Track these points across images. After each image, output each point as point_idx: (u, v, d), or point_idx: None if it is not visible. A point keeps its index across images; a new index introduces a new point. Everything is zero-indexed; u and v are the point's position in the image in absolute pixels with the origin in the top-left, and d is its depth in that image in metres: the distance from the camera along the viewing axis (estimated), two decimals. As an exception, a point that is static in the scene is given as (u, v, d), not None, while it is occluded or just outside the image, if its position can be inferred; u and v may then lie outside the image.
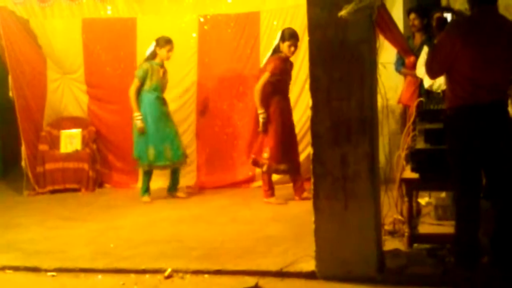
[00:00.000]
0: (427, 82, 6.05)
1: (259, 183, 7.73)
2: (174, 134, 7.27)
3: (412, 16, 6.76)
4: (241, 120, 7.94)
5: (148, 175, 7.25)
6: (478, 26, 4.01)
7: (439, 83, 5.81)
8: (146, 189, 7.20)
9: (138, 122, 7.08)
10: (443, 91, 5.73)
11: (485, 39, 3.96)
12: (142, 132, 7.08)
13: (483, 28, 3.99)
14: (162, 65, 7.21)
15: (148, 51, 7.17)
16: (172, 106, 7.72)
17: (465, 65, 3.97)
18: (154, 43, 7.13)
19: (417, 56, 6.26)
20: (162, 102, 7.27)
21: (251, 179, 7.81)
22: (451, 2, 6.38)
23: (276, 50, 6.80)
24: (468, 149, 4.02)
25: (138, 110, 7.09)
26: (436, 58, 4.14)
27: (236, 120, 7.97)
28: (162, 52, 7.11)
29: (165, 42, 7.10)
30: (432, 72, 4.32)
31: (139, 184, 7.81)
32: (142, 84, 7.11)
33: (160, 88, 7.23)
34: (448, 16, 4.86)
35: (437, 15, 6.20)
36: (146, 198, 7.15)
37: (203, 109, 7.95)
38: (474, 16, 4.10)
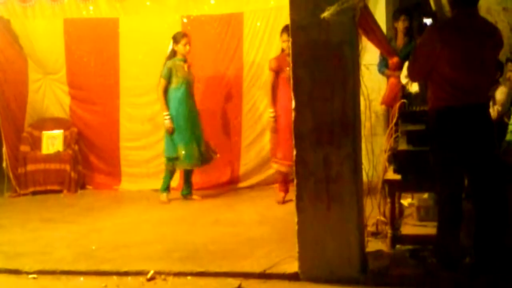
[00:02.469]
0: (414, 88, 6.07)
1: (243, 184, 7.75)
2: (201, 133, 7.21)
3: (403, 17, 6.75)
4: (225, 121, 7.94)
5: (171, 174, 7.19)
6: (458, 28, 4.03)
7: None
8: (166, 187, 7.14)
9: (166, 122, 6.98)
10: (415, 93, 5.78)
11: (466, 41, 3.98)
12: (171, 132, 7.00)
13: (463, 30, 4.01)
14: (185, 60, 7.12)
15: (168, 50, 7.08)
16: (155, 108, 7.71)
17: (446, 67, 3.99)
18: (171, 42, 7.06)
19: (400, 57, 6.27)
20: (191, 98, 7.17)
21: (235, 181, 7.81)
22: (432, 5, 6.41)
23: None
24: (450, 151, 4.04)
25: (166, 110, 7.00)
26: (417, 61, 4.15)
27: (219, 121, 7.96)
28: (180, 48, 7.03)
29: (181, 36, 7.05)
30: (413, 75, 4.35)
31: (122, 185, 7.79)
32: (169, 82, 7.02)
33: (188, 83, 7.13)
34: (429, 21, 4.92)
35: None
36: (163, 197, 7.09)
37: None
38: (455, 19, 4.12)
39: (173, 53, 7.05)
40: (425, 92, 4.50)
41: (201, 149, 7.13)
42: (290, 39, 4.26)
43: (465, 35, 3.99)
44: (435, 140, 4.12)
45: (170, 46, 7.07)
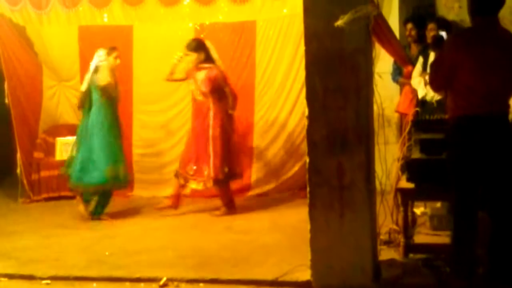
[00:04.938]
0: (421, 93, 6.07)
1: (255, 191, 7.75)
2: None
3: (409, 26, 6.79)
4: (237, 128, 7.93)
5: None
6: (480, 37, 4.01)
7: (433, 93, 5.84)
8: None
9: None
10: (437, 102, 5.77)
11: (487, 49, 3.96)
12: None
13: (484, 39, 3.99)
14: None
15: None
16: (168, 115, 7.76)
17: (466, 75, 3.97)
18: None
19: (414, 65, 6.28)
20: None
21: (247, 188, 7.80)
22: (445, 13, 6.42)
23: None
24: (468, 160, 4.00)
25: None
26: (440, 70, 4.10)
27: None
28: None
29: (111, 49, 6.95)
30: (436, 85, 4.30)
31: (135, 192, 7.83)
32: None
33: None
34: (444, 33, 4.89)
35: (431, 26, 6.25)
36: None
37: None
38: (476, 27, 4.10)
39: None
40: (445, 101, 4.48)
41: None
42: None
43: (485, 43, 3.97)
44: (454, 149, 4.09)
45: (95, 58, 6.86)
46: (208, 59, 6.79)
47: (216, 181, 6.76)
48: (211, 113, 6.75)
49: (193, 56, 6.75)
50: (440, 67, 4.11)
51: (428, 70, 5.95)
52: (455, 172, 4.09)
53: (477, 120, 3.97)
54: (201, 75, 6.76)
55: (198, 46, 6.79)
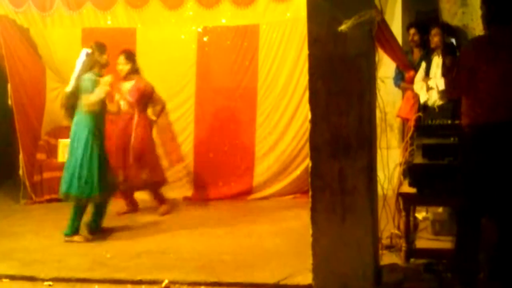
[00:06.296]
0: (422, 98, 6.08)
1: (257, 195, 7.76)
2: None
3: (412, 31, 6.79)
4: (239, 131, 7.96)
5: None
6: (495, 44, 4.02)
7: (434, 98, 5.85)
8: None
9: None
10: (439, 107, 5.78)
11: (501, 57, 3.97)
12: None
13: (501, 46, 4.00)
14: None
15: (82, 60, 6.19)
16: (171, 117, 7.78)
17: (484, 82, 3.97)
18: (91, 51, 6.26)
19: (416, 70, 6.29)
20: None
21: (249, 192, 7.81)
22: (449, 18, 6.42)
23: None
24: (484, 167, 3.99)
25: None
26: (458, 79, 4.11)
27: (233, 132, 7.98)
28: (103, 59, 6.33)
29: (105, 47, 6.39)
30: (453, 92, 4.31)
31: (137, 194, 7.82)
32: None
33: None
34: (453, 40, 4.87)
35: (434, 31, 6.26)
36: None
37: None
38: (491, 35, 4.11)
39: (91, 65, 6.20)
40: (454, 107, 4.46)
41: None
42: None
43: (501, 51, 3.98)
44: (470, 156, 4.08)
45: (83, 56, 6.19)
46: (135, 70, 6.89)
47: (137, 188, 7.00)
48: (134, 123, 6.86)
49: (127, 66, 6.85)
50: (458, 74, 4.10)
51: (431, 75, 5.99)
52: (469, 179, 4.06)
53: (494, 127, 3.95)
54: (127, 85, 6.86)
55: (130, 56, 6.89)
